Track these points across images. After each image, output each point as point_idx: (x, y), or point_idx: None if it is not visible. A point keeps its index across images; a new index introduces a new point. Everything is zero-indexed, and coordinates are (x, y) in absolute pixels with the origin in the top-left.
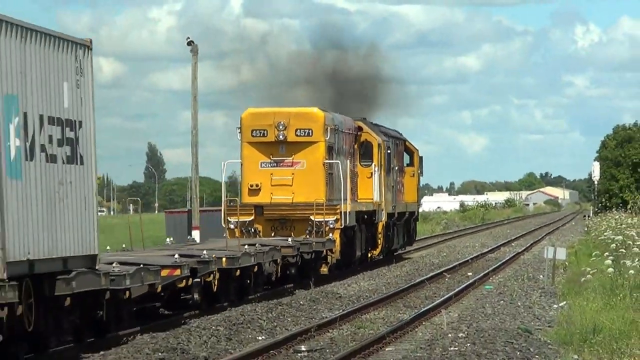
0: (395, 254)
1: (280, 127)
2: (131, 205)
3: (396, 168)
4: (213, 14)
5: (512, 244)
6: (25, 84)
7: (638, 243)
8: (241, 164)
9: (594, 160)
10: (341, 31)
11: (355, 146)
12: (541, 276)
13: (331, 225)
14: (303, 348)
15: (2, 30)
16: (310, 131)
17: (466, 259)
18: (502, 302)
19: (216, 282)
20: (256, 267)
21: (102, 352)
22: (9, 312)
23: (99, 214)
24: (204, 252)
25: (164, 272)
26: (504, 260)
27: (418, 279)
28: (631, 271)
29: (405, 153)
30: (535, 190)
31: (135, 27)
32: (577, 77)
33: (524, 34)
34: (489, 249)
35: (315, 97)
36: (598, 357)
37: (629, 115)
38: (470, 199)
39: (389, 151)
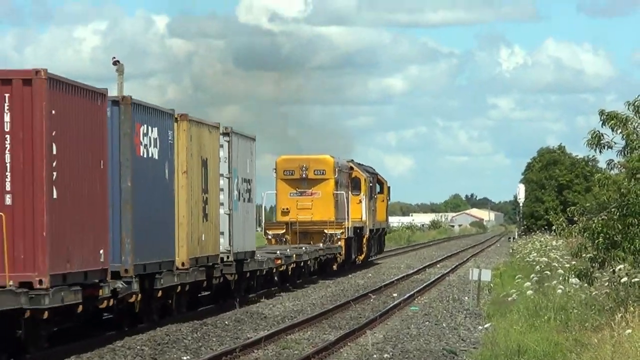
0: (369, 259)
1: (303, 169)
2: None
3: (374, 196)
4: (138, 33)
5: (438, 266)
6: (238, 162)
7: (563, 265)
8: (276, 194)
9: (519, 182)
10: (266, 52)
11: (349, 180)
12: (466, 298)
13: (338, 236)
14: None
15: (235, 138)
16: (324, 171)
17: (392, 280)
18: (427, 323)
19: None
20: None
21: None
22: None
23: None
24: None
25: None
26: (430, 282)
27: (343, 300)
28: (559, 290)
29: (377, 184)
30: (461, 212)
31: (61, 46)
32: (501, 100)
33: (450, 56)
34: (415, 270)
35: (240, 117)
36: None
37: (553, 138)
38: (395, 221)
39: (370, 184)
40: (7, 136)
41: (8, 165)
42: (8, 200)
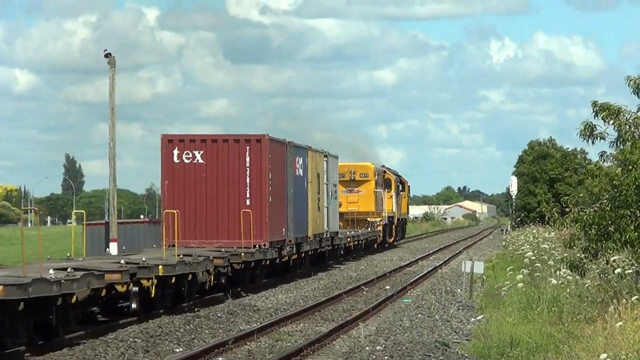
0: (395, 243)
1: (352, 173)
2: (49, 217)
3: (400, 193)
4: (128, 26)
5: (430, 258)
6: (330, 174)
7: (555, 257)
8: None
9: (512, 174)
10: (257, 45)
11: (383, 181)
12: (459, 290)
13: (378, 223)
14: None
15: (330, 158)
16: (367, 174)
17: (384, 273)
18: (420, 315)
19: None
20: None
21: None
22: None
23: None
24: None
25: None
26: (422, 274)
27: (336, 292)
28: (553, 281)
29: (400, 183)
30: (454, 205)
31: (51, 38)
32: (492, 92)
33: (440, 49)
34: (407, 262)
35: (230, 112)
36: None
37: (544, 130)
38: None
39: (397, 184)
40: (248, 168)
41: (248, 184)
42: (248, 202)
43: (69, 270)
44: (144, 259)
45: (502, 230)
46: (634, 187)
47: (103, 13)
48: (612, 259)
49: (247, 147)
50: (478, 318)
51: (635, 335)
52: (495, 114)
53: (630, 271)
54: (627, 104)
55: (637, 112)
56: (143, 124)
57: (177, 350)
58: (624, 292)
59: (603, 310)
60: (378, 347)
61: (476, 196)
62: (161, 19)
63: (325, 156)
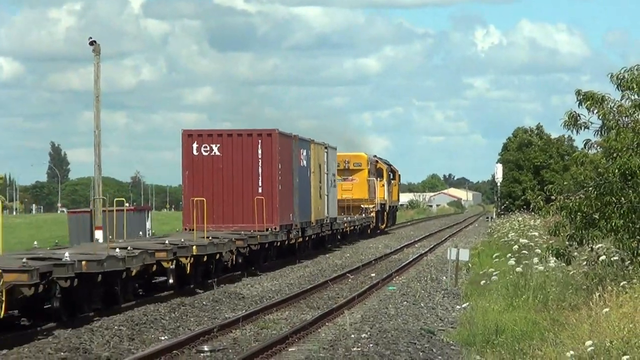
0: (386, 229)
1: (346, 162)
2: (34, 205)
3: (391, 182)
4: (113, 14)
5: (416, 245)
6: (330, 164)
7: (541, 245)
8: None
9: (497, 162)
10: (242, 32)
11: (375, 170)
12: (444, 277)
13: (371, 210)
14: (206, 348)
15: (329, 150)
16: (360, 164)
17: (369, 260)
18: (405, 303)
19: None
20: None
21: (4, 351)
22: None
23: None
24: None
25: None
26: (408, 262)
27: (321, 280)
28: (539, 267)
29: (391, 172)
30: (439, 192)
31: (35, 26)
32: (477, 80)
33: (425, 37)
34: (393, 250)
35: (215, 99)
36: (500, 357)
37: (529, 118)
38: None
39: (389, 173)
40: (260, 160)
41: (260, 174)
42: (260, 190)
43: (129, 248)
44: (182, 240)
45: (487, 217)
46: (618, 174)
47: (87, 1)
48: (596, 246)
49: (259, 141)
50: (463, 305)
51: (621, 322)
52: (480, 101)
53: (615, 258)
54: (611, 91)
55: (621, 100)
56: (128, 111)
57: (162, 338)
58: (608, 279)
59: (588, 297)
60: (363, 335)
61: (461, 184)
62: (146, 6)
63: (326, 148)
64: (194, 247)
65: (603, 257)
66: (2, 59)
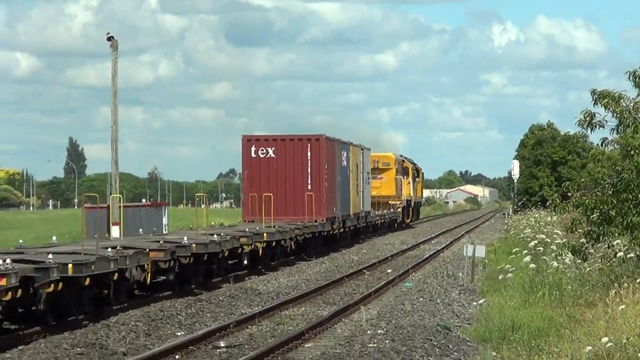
0: (411, 223)
1: (376, 162)
2: (51, 200)
3: (416, 179)
4: (130, 9)
5: (432, 242)
6: (365, 163)
7: (557, 241)
8: None
9: (513, 158)
10: (258, 28)
11: (402, 169)
12: (460, 274)
13: (398, 206)
14: (222, 344)
15: (365, 151)
16: (388, 163)
17: (386, 257)
18: (421, 299)
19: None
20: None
21: (20, 347)
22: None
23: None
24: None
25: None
26: (424, 258)
27: (337, 276)
28: (554, 263)
29: (416, 171)
30: (456, 189)
31: (52, 22)
32: (494, 76)
33: (441, 33)
34: (409, 246)
35: (232, 95)
36: (516, 354)
37: (545, 113)
38: None
39: (413, 171)
40: (309, 161)
41: (309, 173)
42: (309, 187)
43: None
44: (246, 230)
45: (504, 214)
46: (635, 171)
47: None
48: (614, 242)
49: (309, 145)
50: (479, 302)
51: (637, 319)
52: (497, 97)
53: (632, 255)
54: (628, 88)
55: (637, 97)
56: (145, 107)
57: (179, 333)
58: (625, 276)
59: (604, 294)
60: (379, 331)
61: (478, 180)
62: (163, 2)
63: (362, 149)
64: (265, 234)
65: (621, 254)
66: (19, 54)
